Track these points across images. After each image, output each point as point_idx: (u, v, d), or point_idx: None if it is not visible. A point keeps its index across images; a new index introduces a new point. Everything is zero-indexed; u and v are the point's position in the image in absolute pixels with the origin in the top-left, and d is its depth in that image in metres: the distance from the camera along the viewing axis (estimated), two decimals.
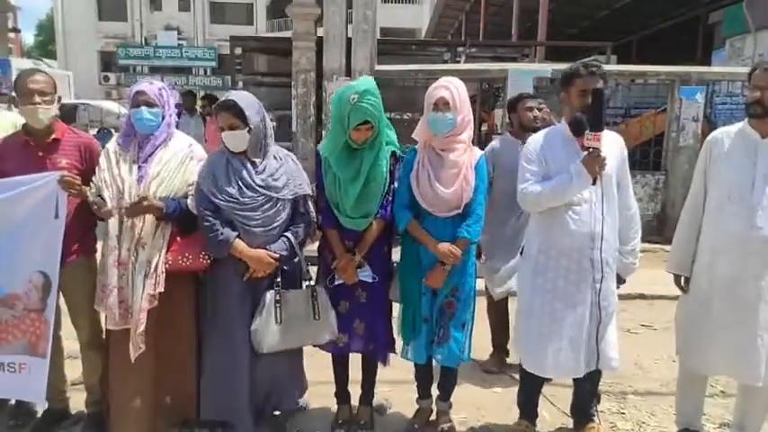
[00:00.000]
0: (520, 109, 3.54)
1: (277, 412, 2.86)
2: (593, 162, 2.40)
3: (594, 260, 2.52)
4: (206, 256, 2.59)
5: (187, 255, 2.58)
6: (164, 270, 2.52)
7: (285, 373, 2.76)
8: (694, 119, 7.42)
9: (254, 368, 2.66)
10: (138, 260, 2.51)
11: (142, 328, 2.49)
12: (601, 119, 2.40)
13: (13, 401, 2.97)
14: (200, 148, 2.73)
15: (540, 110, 3.50)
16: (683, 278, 2.74)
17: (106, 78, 29.14)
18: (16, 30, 21.40)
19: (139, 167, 2.56)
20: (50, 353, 2.59)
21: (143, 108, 2.55)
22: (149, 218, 2.53)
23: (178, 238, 2.60)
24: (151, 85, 2.62)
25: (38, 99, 2.57)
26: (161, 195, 2.54)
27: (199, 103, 8.62)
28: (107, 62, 30.96)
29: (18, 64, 13.12)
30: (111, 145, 2.63)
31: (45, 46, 41.13)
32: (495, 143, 3.70)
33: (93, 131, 13.85)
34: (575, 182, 2.45)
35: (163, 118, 2.61)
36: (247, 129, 2.51)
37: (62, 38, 32.91)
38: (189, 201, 2.59)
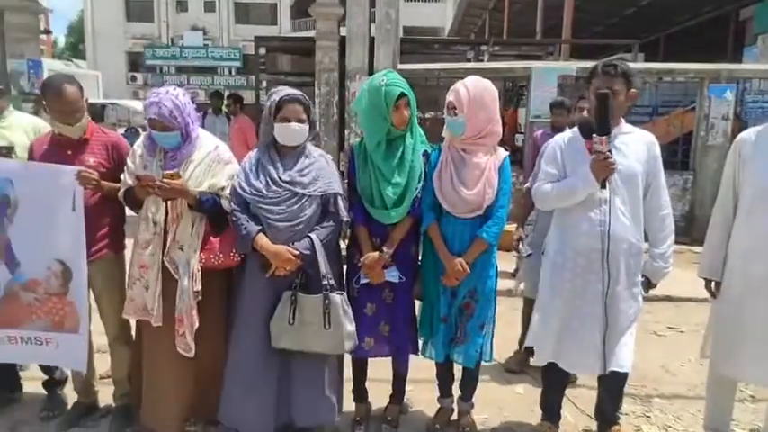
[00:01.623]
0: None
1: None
2: (600, 166, 2.38)
3: (604, 262, 2.49)
4: (236, 254, 2.62)
5: (219, 254, 2.61)
6: (199, 268, 2.56)
7: (311, 392, 2.67)
8: (724, 117, 7.28)
9: (276, 370, 2.64)
10: (179, 264, 2.54)
11: (197, 324, 2.55)
12: (606, 123, 2.37)
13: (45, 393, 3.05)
14: (225, 148, 2.72)
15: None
16: (713, 282, 2.69)
17: (133, 78, 29.66)
18: (48, 31, 21.94)
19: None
20: (86, 329, 2.71)
21: (161, 133, 2.53)
22: (184, 221, 2.55)
23: (211, 238, 2.62)
24: (161, 109, 2.46)
25: (71, 120, 2.62)
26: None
27: (224, 102, 8.70)
28: (134, 62, 31.52)
29: (49, 65, 13.43)
30: (139, 147, 2.65)
31: (75, 47, 42.02)
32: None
33: (121, 131, 14.14)
34: (580, 185, 2.47)
35: (183, 135, 2.56)
36: (309, 125, 2.59)
37: (91, 39, 33.62)
38: (223, 201, 2.60)
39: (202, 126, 2.77)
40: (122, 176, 2.64)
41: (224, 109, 8.46)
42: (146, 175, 2.47)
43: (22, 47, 7.50)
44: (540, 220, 3.45)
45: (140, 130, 13.60)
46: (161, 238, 2.56)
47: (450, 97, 2.62)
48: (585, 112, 3.51)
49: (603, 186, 2.42)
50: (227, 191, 2.61)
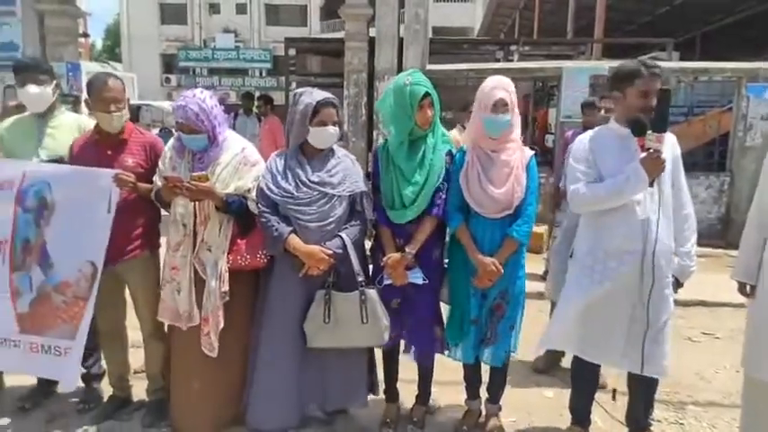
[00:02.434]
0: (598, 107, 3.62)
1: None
2: (653, 163, 2.32)
3: (646, 264, 2.44)
4: (263, 255, 2.65)
5: (245, 255, 2.64)
6: (226, 269, 2.60)
7: (341, 376, 2.74)
8: (763, 117, 7.08)
9: (306, 366, 2.69)
10: (207, 265, 2.59)
11: (221, 324, 2.59)
12: (666, 120, 2.33)
13: (82, 386, 3.13)
14: (253, 150, 2.74)
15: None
16: (748, 286, 2.62)
17: (167, 80, 30.35)
18: (86, 35, 22.58)
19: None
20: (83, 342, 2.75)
21: (188, 135, 2.59)
22: (212, 222, 2.59)
23: (238, 240, 2.65)
24: (187, 113, 2.52)
25: (113, 108, 2.69)
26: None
27: (255, 103, 8.83)
28: (168, 64, 32.20)
29: (87, 67, 13.77)
30: (169, 149, 2.71)
31: (112, 50, 43.08)
32: None
33: (155, 131, 14.44)
34: (632, 183, 2.39)
35: (209, 138, 2.60)
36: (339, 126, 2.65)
37: (127, 42, 34.47)
38: (250, 203, 2.63)
39: (233, 127, 2.80)
40: (155, 177, 2.71)
41: (255, 110, 8.58)
42: (173, 176, 2.53)
43: (61, 50, 7.75)
44: (566, 221, 3.42)
45: (173, 130, 13.85)
46: (191, 239, 2.61)
47: (500, 95, 2.57)
48: (603, 111, 3.47)
49: (651, 185, 2.38)
50: (254, 193, 2.63)
